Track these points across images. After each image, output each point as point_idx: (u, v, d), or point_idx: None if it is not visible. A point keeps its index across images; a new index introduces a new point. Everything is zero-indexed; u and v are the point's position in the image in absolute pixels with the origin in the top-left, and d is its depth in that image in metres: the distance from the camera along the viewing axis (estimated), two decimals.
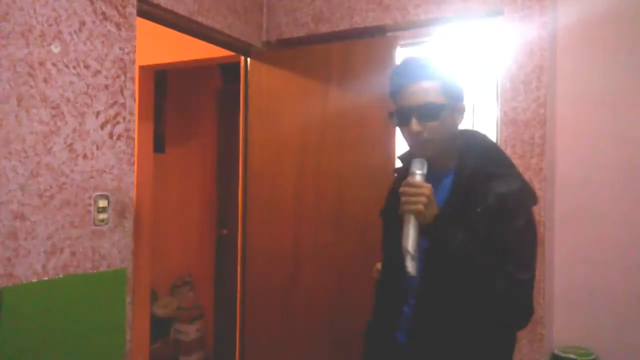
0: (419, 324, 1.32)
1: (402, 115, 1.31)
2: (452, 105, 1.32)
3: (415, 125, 1.27)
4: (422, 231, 1.21)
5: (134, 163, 1.88)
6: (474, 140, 1.37)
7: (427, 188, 1.20)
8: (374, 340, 1.47)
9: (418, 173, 1.23)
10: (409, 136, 1.31)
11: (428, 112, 1.27)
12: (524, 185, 1.30)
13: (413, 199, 1.19)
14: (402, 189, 1.22)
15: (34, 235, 1.54)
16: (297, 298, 2.48)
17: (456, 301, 1.25)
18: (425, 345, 1.31)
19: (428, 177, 1.26)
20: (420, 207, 1.18)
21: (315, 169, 2.46)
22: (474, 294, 1.23)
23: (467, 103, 1.39)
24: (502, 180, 1.27)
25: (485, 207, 1.24)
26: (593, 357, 2.00)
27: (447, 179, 1.34)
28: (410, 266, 1.17)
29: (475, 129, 1.44)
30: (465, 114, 1.38)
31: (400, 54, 2.33)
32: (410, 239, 1.18)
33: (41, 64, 1.56)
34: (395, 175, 1.56)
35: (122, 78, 1.82)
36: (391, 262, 1.40)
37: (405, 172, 1.36)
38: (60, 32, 1.61)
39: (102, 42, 1.75)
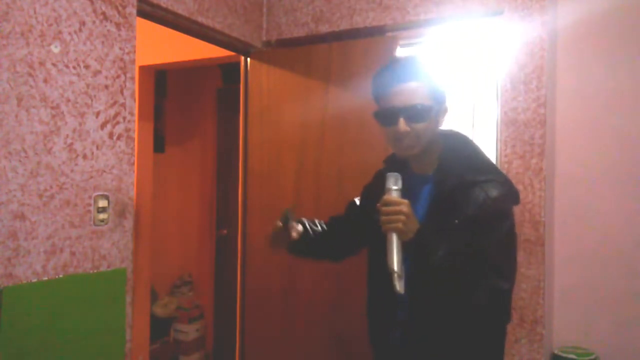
0: (412, 328, 1.32)
1: (389, 116, 1.30)
2: (437, 107, 1.32)
3: (403, 125, 1.27)
4: (404, 247, 1.19)
5: (134, 163, 1.87)
6: (455, 145, 1.36)
7: (405, 205, 1.19)
8: (372, 342, 1.47)
9: (394, 189, 1.22)
10: (395, 137, 1.31)
11: (416, 113, 1.27)
12: (503, 190, 1.27)
13: (393, 217, 1.18)
14: (381, 208, 1.21)
15: (34, 235, 1.54)
16: (297, 298, 2.48)
17: (442, 310, 1.25)
18: (419, 349, 1.32)
19: (407, 185, 1.24)
20: (400, 225, 1.17)
21: (315, 168, 2.46)
22: (455, 305, 1.23)
23: (449, 105, 1.38)
24: (482, 189, 1.25)
25: (464, 217, 1.23)
26: (593, 357, 2.00)
27: (426, 187, 1.33)
28: (398, 285, 1.16)
29: (455, 130, 1.43)
30: (447, 116, 1.38)
31: (400, 54, 2.33)
32: (395, 258, 1.17)
33: (41, 64, 1.56)
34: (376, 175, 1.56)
35: (122, 78, 1.82)
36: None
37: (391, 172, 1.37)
38: (60, 32, 1.61)
39: (102, 42, 1.75)
